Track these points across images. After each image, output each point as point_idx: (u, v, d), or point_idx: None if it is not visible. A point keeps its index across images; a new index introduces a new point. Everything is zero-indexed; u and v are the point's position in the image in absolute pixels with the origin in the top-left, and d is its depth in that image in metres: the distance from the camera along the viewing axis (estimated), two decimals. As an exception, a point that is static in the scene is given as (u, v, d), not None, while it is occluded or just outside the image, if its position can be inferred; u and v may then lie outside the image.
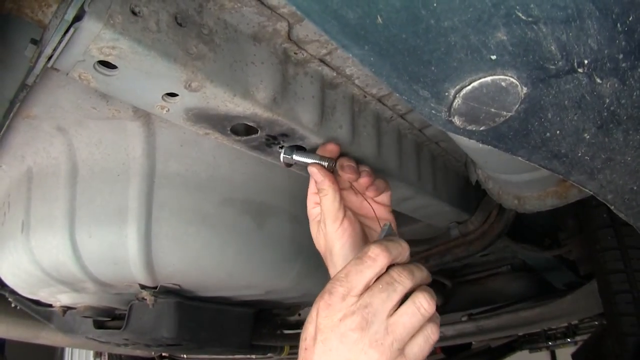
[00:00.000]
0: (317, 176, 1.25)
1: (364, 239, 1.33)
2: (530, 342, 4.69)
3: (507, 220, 2.26)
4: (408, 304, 1.00)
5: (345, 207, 1.29)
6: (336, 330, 0.97)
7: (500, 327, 3.13)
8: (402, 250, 1.06)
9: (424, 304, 1.00)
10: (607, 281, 2.32)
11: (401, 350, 0.98)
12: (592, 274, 2.64)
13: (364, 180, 1.27)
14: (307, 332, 1.02)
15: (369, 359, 0.95)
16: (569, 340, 4.47)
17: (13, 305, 2.37)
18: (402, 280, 1.01)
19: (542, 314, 2.94)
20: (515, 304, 3.41)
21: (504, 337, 3.97)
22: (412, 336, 1.00)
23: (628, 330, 2.20)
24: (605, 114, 0.80)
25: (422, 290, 1.03)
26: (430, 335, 1.01)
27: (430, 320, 1.02)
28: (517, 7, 0.57)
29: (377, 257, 1.00)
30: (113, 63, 0.98)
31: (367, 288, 1.00)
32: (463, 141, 1.32)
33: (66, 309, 2.02)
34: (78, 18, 0.88)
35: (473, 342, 4.20)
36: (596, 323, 3.83)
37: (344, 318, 0.97)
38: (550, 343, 4.62)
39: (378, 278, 1.01)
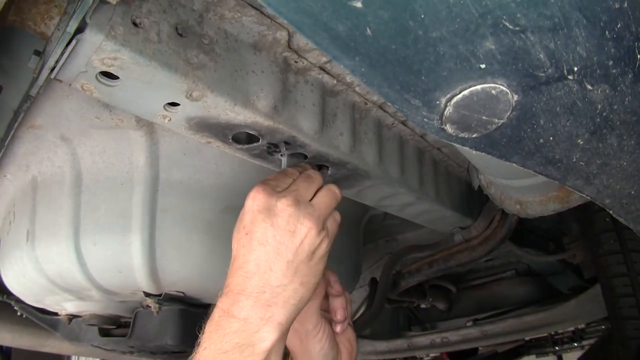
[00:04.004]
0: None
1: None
2: (537, 346, 4.67)
3: (510, 225, 2.26)
4: (324, 189, 1.23)
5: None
6: (273, 209, 1.13)
7: (505, 332, 3.13)
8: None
9: (335, 189, 1.24)
10: (610, 285, 2.33)
11: (324, 224, 1.18)
12: (597, 278, 2.64)
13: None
14: (244, 220, 1.15)
15: (305, 227, 1.12)
16: (575, 344, 4.44)
17: (19, 313, 2.38)
18: (317, 177, 1.25)
19: (547, 319, 2.95)
20: (520, 309, 3.41)
21: (511, 342, 3.96)
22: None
23: (632, 333, 2.20)
24: (598, 119, 0.81)
25: (330, 184, 1.26)
26: (336, 217, 1.24)
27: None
28: (504, 17, 0.58)
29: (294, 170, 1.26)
30: (115, 74, 0.99)
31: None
32: (463, 147, 1.33)
33: (72, 317, 2.02)
34: (80, 30, 0.90)
35: (479, 348, 4.19)
36: (603, 327, 3.82)
37: (278, 198, 1.13)
38: (557, 348, 4.60)
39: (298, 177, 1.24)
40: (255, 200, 1.14)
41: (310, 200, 1.19)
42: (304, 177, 1.23)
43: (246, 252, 1.12)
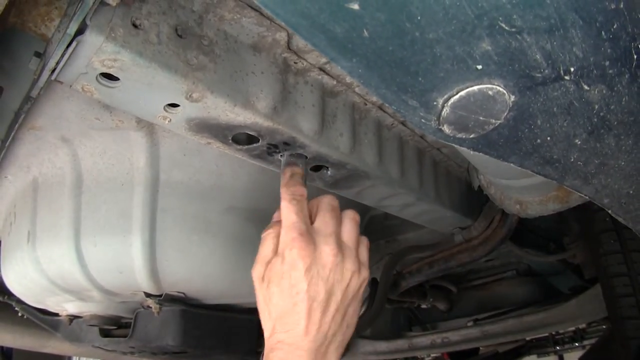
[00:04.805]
0: None
1: None
2: (538, 346, 4.66)
3: (510, 225, 2.26)
4: (348, 220, 1.25)
5: None
6: (318, 261, 1.15)
7: (506, 332, 3.13)
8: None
9: (355, 216, 1.26)
10: (610, 285, 2.33)
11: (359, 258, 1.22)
12: (597, 278, 2.64)
13: None
14: (291, 277, 1.15)
15: (347, 270, 1.17)
16: (576, 344, 4.44)
17: (20, 314, 2.38)
18: (336, 204, 1.26)
19: (548, 319, 2.94)
20: (521, 309, 3.41)
21: (512, 342, 3.96)
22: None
23: (632, 333, 2.20)
24: (595, 119, 0.81)
25: (347, 209, 1.28)
26: (365, 242, 1.28)
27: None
28: (500, 18, 0.59)
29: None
30: (115, 75, 0.99)
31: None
32: (461, 147, 1.33)
33: (72, 317, 2.03)
34: (80, 31, 0.90)
35: (480, 348, 4.19)
36: (604, 327, 3.82)
37: (322, 249, 1.15)
38: (558, 347, 4.59)
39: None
40: (301, 256, 1.14)
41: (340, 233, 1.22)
42: (328, 209, 1.24)
43: (302, 298, 1.14)
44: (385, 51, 0.61)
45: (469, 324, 3.52)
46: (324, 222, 1.20)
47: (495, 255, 3.21)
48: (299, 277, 1.13)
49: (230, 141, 1.27)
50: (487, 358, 4.26)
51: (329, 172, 1.47)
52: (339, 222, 1.22)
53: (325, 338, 1.13)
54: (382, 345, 3.52)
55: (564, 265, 3.22)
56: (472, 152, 0.84)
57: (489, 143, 0.81)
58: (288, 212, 1.19)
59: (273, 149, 1.32)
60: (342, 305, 1.16)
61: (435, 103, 0.70)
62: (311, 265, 1.13)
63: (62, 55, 0.94)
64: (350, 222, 1.24)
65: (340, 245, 1.17)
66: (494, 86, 0.68)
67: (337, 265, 1.14)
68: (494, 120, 0.74)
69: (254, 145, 1.30)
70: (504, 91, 0.69)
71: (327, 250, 1.15)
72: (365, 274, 1.22)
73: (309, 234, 1.16)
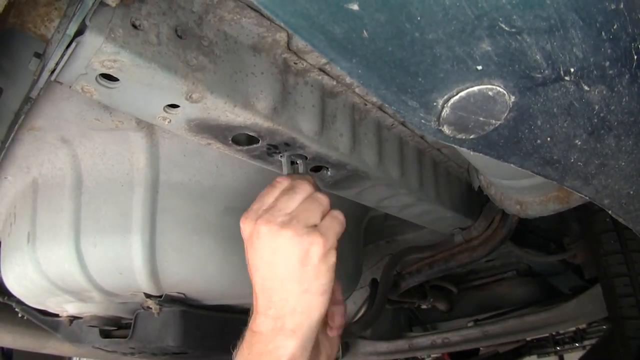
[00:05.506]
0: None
1: None
2: (538, 347, 4.67)
3: (510, 226, 2.26)
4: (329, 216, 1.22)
5: None
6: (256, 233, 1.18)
7: (506, 333, 3.13)
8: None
9: (340, 216, 1.22)
10: (611, 285, 2.33)
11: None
12: (597, 278, 2.64)
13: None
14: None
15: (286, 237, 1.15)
16: (577, 344, 4.45)
17: (20, 315, 2.38)
18: (324, 200, 1.22)
19: (548, 319, 2.95)
20: (521, 309, 3.42)
21: (512, 343, 3.96)
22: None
23: (632, 333, 2.21)
24: (596, 120, 0.81)
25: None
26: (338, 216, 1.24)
27: None
28: (500, 19, 0.59)
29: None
30: (115, 76, 0.99)
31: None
32: (461, 148, 1.33)
33: (73, 318, 2.02)
34: (80, 32, 0.90)
35: (480, 348, 4.19)
36: (604, 327, 3.82)
37: (261, 222, 1.17)
38: (558, 348, 4.60)
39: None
40: (242, 228, 1.21)
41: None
42: (310, 199, 1.23)
43: (252, 277, 1.21)
44: (385, 52, 0.61)
45: (470, 324, 3.53)
46: (300, 207, 1.21)
47: (496, 255, 3.21)
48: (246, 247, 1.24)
49: (230, 142, 1.27)
50: (488, 358, 4.26)
51: (329, 173, 1.47)
52: (315, 211, 1.22)
53: (269, 302, 1.17)
54: (383, 346, 3.53)
55: (565, 265, 3.23)
56: (472, 153, 0.84)
57: (489, 144, 0.80)
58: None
59: (273, 149, 1.32)
60: (285, 271, 1.17)
61: (435, 104, 0.70)
62: (248, 237, 1.20)
63: (62, 56, 0.94)
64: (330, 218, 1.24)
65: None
66: (494, 87, 0.68)
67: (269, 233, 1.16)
68: (494, 121, 0.74)
69: (254, 146, 1.30)
70: (504, 92, 0.69)
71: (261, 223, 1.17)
72: (317, 244, 1.17)
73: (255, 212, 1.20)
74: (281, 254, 1.15)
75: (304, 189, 1.22)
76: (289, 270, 1.15)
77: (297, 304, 1.15)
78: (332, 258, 1.18)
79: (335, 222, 1.22)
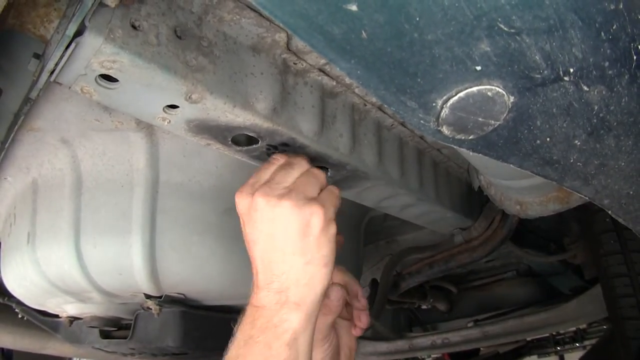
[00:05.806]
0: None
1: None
2: (538, 347, 4.68)
3: (510, 226, 2.26)
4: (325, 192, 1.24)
5: None
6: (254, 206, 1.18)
7: (506, 333, 3.13)
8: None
9: (336, 190, 1.26)
10: (611, 285, 2.33)
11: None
12: (597, 279, 2.64)
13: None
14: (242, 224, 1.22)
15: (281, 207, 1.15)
16: (577, 344, 4.46)
17: (20, 316, 2.38)
18: (321, 175, 1.26)
19: (548, 319, 2.95)
20: (521, 309, 3.42)
21: (512, 343, 3.96)
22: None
23: (632, 333, 2.21)
24: (595, 120, 0.81)
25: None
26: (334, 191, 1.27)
27: None
28: (499, 19, 0.59)
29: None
30: (114, 76, 0.99)
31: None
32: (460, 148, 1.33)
33: (73, 319, 2.02)
34: (79, 33, 0.90)
35: (481, 348, 4.19)
36: (604, 327, 3.82)
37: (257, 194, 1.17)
38: (558, 348, 4.61)
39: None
40: (238, 202, 1.21)
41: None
42: (307, 174, 1.24)
43: (251, 252, 1.20)
44: (384, 52, 0.61)
45: (470, 324, 3.52)
46: (296, 181, 1.22)
47: (496, 255, 3.21)
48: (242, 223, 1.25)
49: (230, 142, 1.27)
50: (488, 359, 4.26)
51: (328, 173, 1.47)
52: (314, 185, 1.23)
53: (272, 276, 1.16)
54: (383, 346, 3.52)
55: (565, 265, 3.23)
56: (471, 153, 0.84)
57: (489, 144, 0.80)
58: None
59: (273, 150, 1.32)
60: (285, 244, 1.17)
61: (434, 104, 0.70)
62: (244, 211, 1.20)
63: (61, 57, 0.94)
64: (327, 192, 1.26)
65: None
66: (493, 87, 0.68)
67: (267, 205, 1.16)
68: (493, 122, 0.74)
69: (254, 146, 1.30)
70: (503, 92, 0.69)
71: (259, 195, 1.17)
72: (317, 214, 1.18)
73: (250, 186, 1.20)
74: (281, 226, 1.14)
75: (301, 164, 1.24)
76: (290, 242, 1.14)
77: (301, 276, 1.14)
78: (333, 229, 1.18)
79: (333, 196, 1.24)
